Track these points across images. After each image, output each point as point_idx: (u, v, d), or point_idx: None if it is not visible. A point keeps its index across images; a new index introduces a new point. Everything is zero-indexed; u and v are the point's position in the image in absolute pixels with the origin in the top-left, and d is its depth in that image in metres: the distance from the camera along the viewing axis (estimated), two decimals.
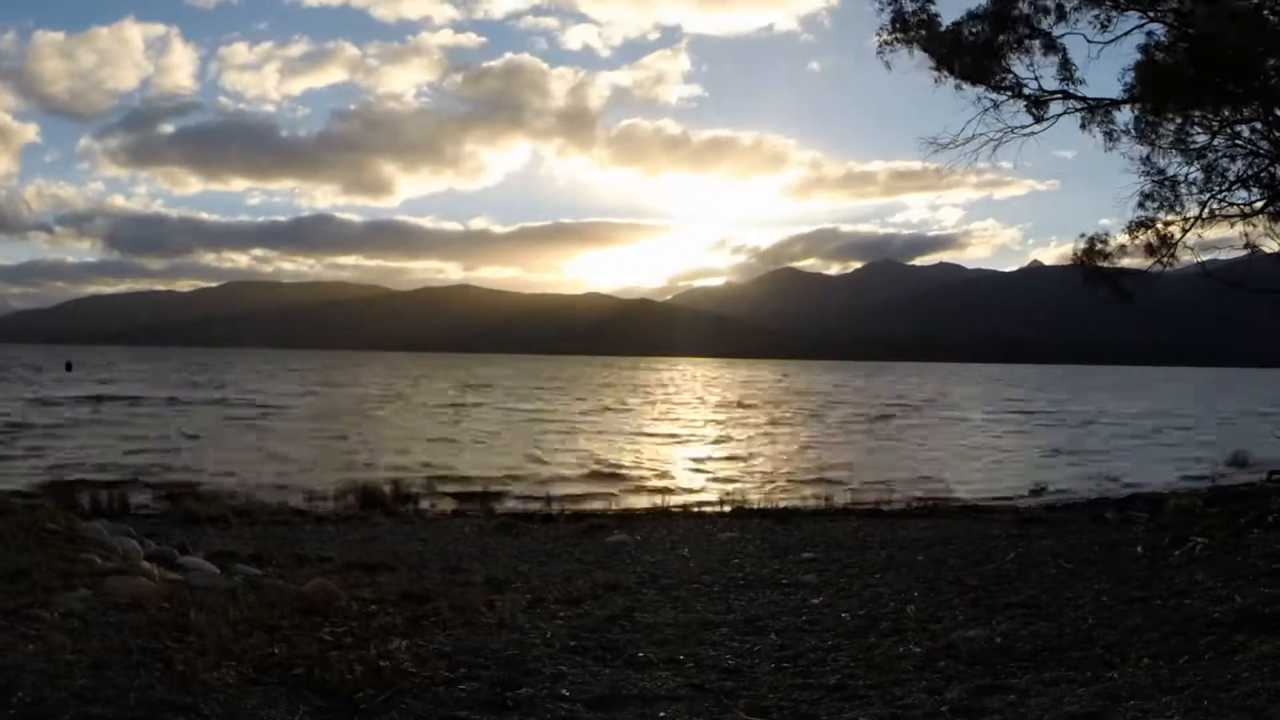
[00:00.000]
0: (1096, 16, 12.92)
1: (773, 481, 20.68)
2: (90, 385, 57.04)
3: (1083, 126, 13.69)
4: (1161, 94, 12.63)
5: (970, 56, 13.20)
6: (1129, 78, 13.11)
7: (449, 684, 5.13)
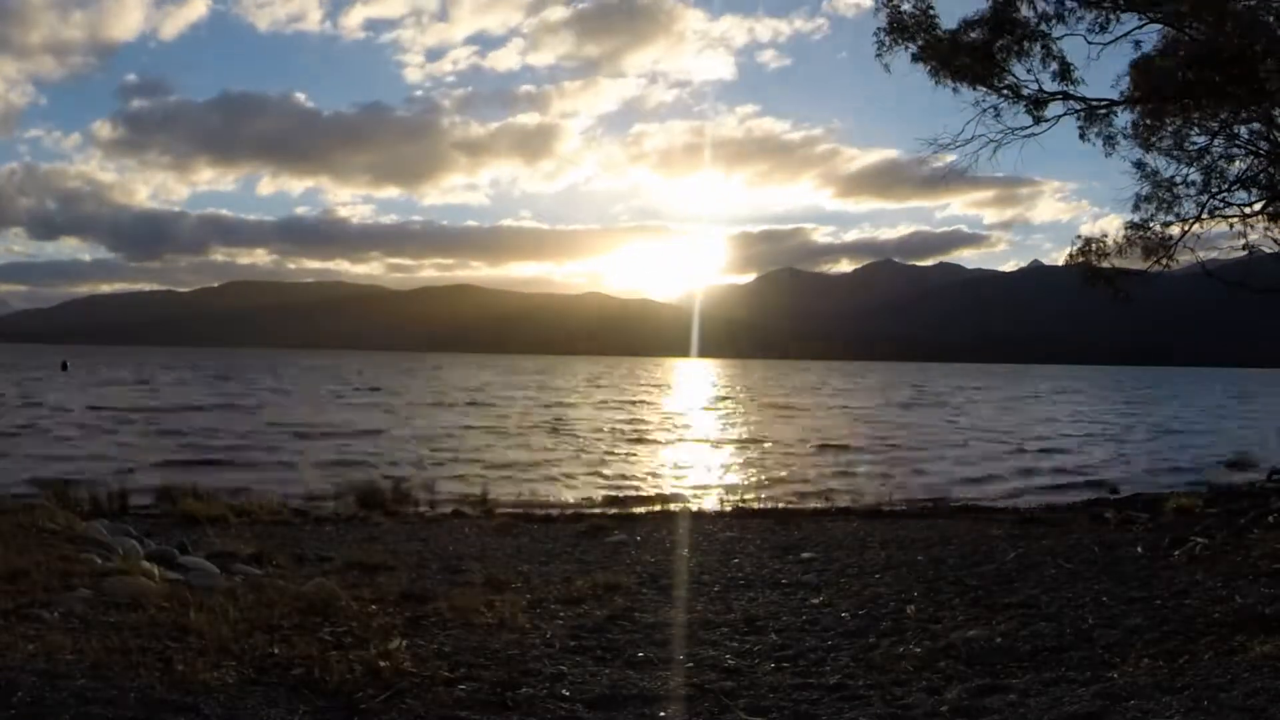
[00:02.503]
0: (1095, 18, 12.94)
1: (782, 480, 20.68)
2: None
3: (1081, 135, 13.73)
4: (1160, 95, 12.64)
5: (969, 59, 13.21)
6: (1128, 79, 13.15)
7: (449, 684, 5.13)
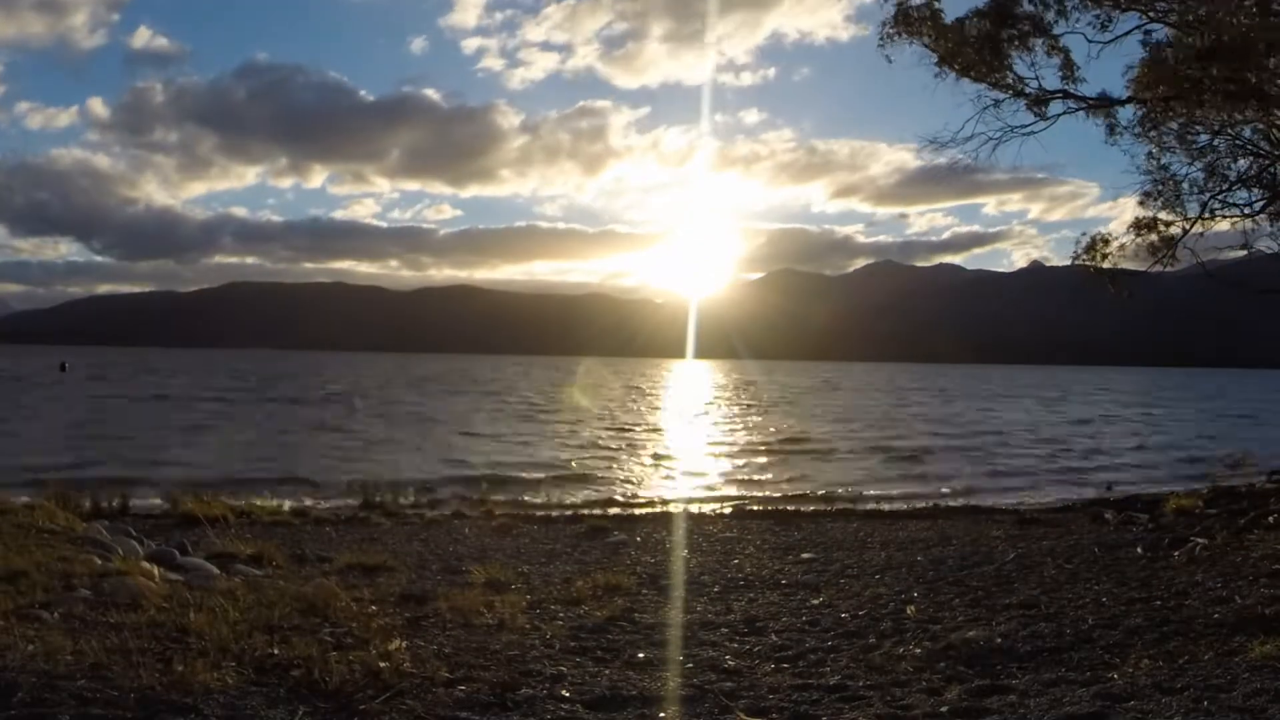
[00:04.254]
0: (1097, 16, 12.94)
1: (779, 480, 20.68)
2: None
3: (1084, 125, 13.71)
4: (1162, 94, 12.63)
5: (972, 53, 13.19)
6: (1130, 77, 13.13)
7: (448, 685, 5.13)
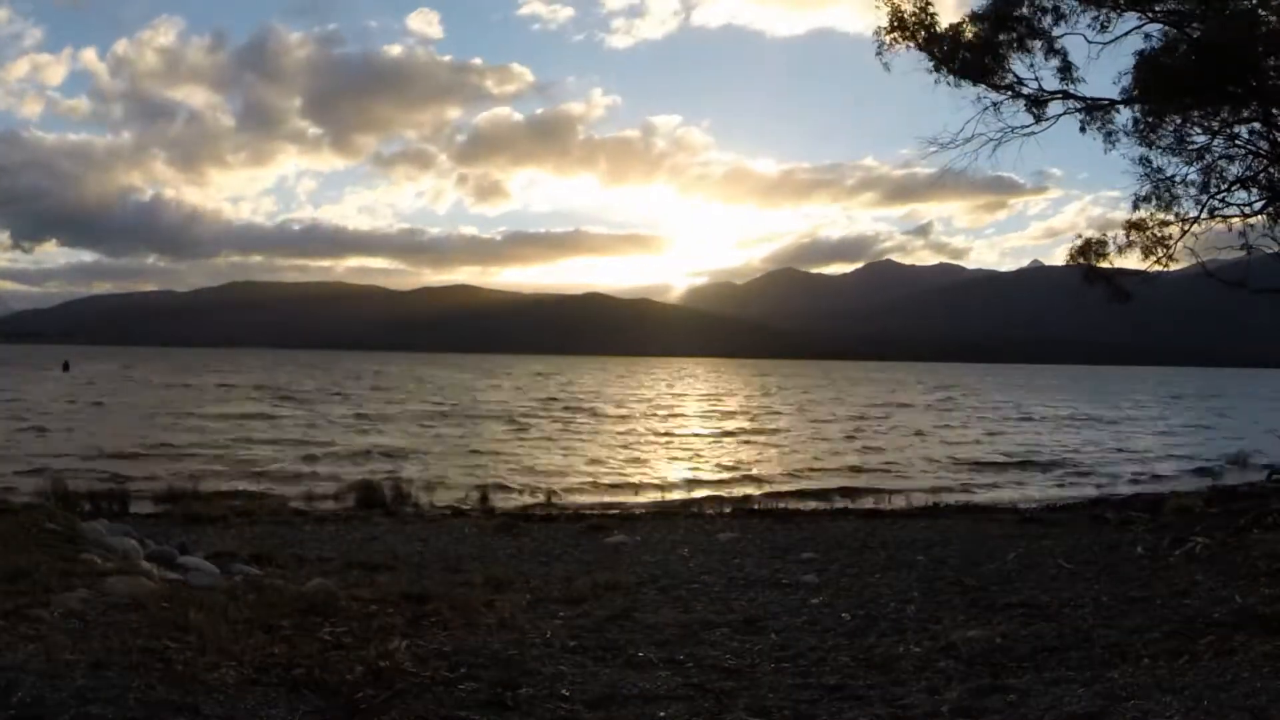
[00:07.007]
0: (1096, 18, 12.94)
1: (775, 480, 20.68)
2: None
3: (1082, 129, 13.71)
4: (1160, 95, 12.63)
5: (969, 56, 13.20)
6: (1128, 79, 13.13)
7: (449, 684, 5.13)
